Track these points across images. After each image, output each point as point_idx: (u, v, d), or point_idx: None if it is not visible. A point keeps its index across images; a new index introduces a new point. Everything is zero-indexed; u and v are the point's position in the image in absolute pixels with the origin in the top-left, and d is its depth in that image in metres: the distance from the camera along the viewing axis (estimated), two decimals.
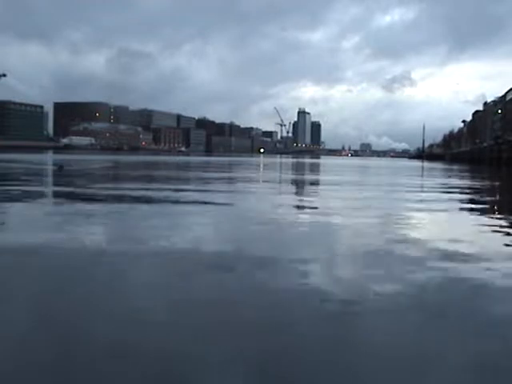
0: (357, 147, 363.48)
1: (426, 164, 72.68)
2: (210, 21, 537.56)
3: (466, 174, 34.63)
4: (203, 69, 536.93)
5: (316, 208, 10.54)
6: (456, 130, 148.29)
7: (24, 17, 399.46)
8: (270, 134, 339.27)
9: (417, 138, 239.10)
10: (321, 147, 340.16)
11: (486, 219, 9.25)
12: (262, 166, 46.68)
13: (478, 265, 5.22)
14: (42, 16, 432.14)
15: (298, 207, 11.05)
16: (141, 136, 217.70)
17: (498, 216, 10.71)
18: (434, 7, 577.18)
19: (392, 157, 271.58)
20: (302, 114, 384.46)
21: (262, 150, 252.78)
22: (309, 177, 28.58)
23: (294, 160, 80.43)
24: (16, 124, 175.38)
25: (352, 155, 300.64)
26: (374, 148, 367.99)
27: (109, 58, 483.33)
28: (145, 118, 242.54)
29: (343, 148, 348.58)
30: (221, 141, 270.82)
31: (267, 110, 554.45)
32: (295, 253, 5.70)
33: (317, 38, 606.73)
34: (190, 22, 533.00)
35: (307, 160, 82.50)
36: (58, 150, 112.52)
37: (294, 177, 27.88)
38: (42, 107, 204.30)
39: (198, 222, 8.10)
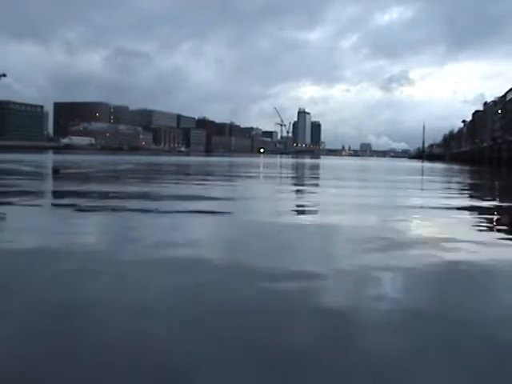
0: (357, 147, 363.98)
1: (427, 164, 72.63)
2: (207, 20, 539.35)
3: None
4: (202, 68, 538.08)
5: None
6: (456, 130, 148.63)
7: (20, 17, 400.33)
8: (269, 134, 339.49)
9: (416, 137, 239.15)
10: (321, 147, 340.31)
11: None
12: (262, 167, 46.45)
13: None
14: (39, 16, 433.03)
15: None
16: (141, 136, 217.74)
17: None
18: (432, 6, 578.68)
19: (392, 157, 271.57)
20: (301, 113, 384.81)
21: (262, 150, 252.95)
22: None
23: (294, 160, 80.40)
24: (16, 124, 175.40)
25: (352, 155, 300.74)
26: (373, 148, 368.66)
27: (107, 58, 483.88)
28: (145, 118, 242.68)
29: (343, 148, 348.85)
30: (221, 141, 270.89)
31: (267, 109, 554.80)
32: None
33: (315, 38, 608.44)
34: (187, 21, 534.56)
35: (307, 160, 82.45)
36: (58, 150, 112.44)
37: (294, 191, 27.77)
38: (41, 107, 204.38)
39: None
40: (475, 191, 19.06)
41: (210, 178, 22.60)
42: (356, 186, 20.17)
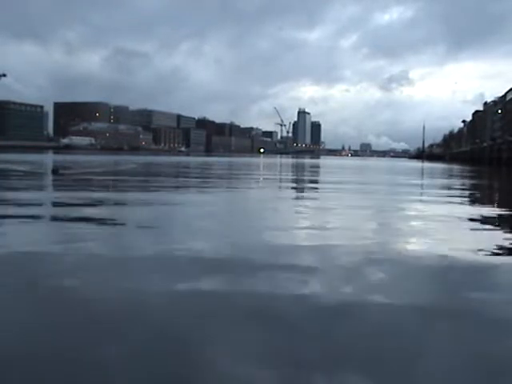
0: (357, 147, 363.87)
1: (427, 164, 72.60)
2: (207, 20, 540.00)
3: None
4: (202, 68, 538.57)
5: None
6: (456, 130, 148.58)
7: (20, 17, 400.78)
8: (269, 134, 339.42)
9: (416, 137, 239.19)
10: (321, 147, 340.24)
11: None
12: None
13: None
14: (39, 16, 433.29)
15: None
16: (141, 136, 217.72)
17: None
18: (432, 6, 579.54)
19: (392, 157, 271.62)
20: (301, 113, 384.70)
21: (262, 150, 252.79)
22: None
23: (294, 161, 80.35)
24: (16, 124, 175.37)
25: (352, 155, 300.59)
26: (373, 148, 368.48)
27: (107, 58, 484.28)
28: (145, 118, 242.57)
29: (343, 148, 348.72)
30: (221, 141, 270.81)
31: (267, 109, 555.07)
32: None
33: (315, 37, 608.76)
34: (187, 21, 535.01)
35: (307, 161, 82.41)
36: (58, 150, 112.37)
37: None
38: (41, 107, 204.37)
39: None
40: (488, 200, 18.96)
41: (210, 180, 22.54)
42: (362, 192, 20.09)
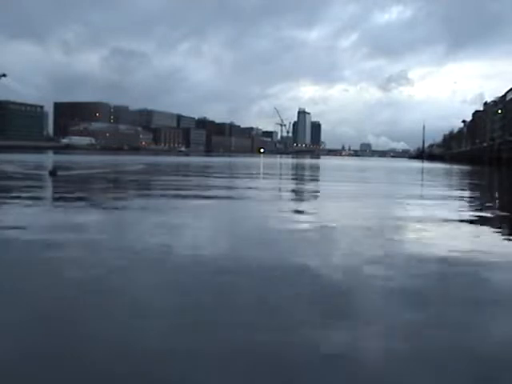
0: (357, 147, 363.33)
1: (429, 165, 72.57)
2: (206, 19, 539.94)
3: None
4: (201, 68, 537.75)
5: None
6: (456, 130, 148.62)
7: (19, 16, 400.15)
8: (269, 134, 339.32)
9: (416, 137, 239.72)
10: (321, 147, 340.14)
11: None
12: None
13: None
14: (38, 16, 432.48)
15: None
16: (141, 136, 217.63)
17: None
18: (432, 5, 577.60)
19: (392, 157, 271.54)
20: (301, 113, 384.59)
21: (262, 150, 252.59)
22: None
23: (295, 161, 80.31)
24: (16, 124, 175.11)
25: (352, 155, 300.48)
26: (373, 148, 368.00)
27: (106, 58, 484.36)
28: (145, 118, 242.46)
29: (343, 148, 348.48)
30: (221, 141, 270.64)
31: (267, 109, 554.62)
32: None
33: (314, 37, 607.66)
34: (186, 20, 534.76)
35: (308, 161, 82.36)
36: (58, 150, 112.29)
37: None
38: (41, 107, 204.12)
39: None
40: None
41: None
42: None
